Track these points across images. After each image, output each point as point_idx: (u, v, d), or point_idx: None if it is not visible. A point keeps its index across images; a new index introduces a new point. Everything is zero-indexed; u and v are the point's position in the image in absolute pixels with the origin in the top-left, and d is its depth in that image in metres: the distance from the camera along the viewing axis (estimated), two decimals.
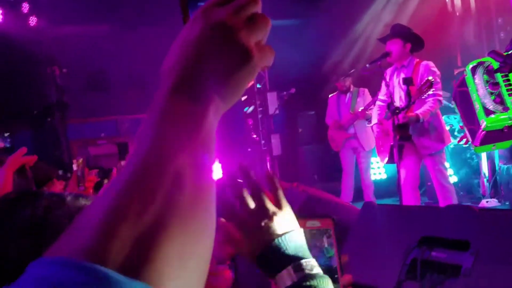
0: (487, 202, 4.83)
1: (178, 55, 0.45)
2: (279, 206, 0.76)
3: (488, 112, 2.31)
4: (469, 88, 2.39)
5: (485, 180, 5.14)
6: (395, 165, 3.71)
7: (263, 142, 7.39)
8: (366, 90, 5.42)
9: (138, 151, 0.40)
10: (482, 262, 1.24)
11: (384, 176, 6.53)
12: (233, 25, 0.45)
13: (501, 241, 1.26)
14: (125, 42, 6.88)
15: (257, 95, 7.46)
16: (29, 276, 0.32)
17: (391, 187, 5.93)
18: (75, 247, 0.33)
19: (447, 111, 5.18)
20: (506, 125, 2.33)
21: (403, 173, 3.88)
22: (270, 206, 0.75)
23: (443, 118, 4.16)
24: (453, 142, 5.04)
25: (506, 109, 2.27)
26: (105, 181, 2.39)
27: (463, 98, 2.48)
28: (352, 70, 5.61)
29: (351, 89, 5.50)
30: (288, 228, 0.73)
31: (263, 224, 0.72)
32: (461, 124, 2.84)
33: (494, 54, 2.23)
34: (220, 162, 6.09)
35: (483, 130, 2.33)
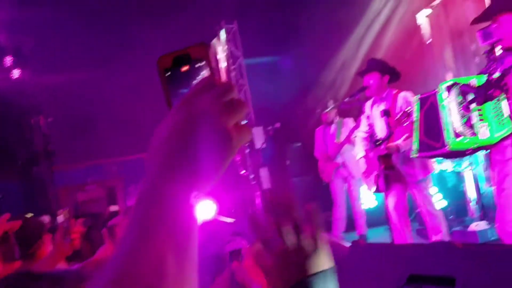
0: (476, 225, 4.84)
1: (163, 144, 0.49)
2: (316, 244, 0.76)
3: (456, 135, 2.32)
4: (440, 106, 2.40)
5: (473, 203, 5.19)
6: (382, 194, 3.76)
7: (252, 176, 7.41)
8: (350, 120, 5.55)
9: (125, 241, 0.44)
10: None
11: (375, 203, 6.56)
12: (213, 112, 0.49)
13: (485, 276, 1.28)
14: (109, 85, 6.95)
15: None
16: None
17: (382, 214, 5.95)
18: None
19: None
20: (471, 148, 2.39)
21: (391, 201, 3.92)
22: (308, 244, 0.75)
23: None
24: (437, 168, 5.12)
25: (473, 134, 2.30)
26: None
27: (431, 110, 2.50)
28: (336, 103, 5.74)
29: (336, 120, 5.62)
30: (321, 268, 0.74)
31: (298, 261, 0.73)
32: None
33: (466, 87, 2.30)
34: (213, 200, 6.08)
35: (447, 150, 2.36)
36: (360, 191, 5.60)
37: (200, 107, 0.50)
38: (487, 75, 2.11)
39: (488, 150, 2.61)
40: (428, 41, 7.95)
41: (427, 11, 7.91)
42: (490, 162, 2.56)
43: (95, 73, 7.11)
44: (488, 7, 2.61)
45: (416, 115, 2.71)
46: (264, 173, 7.22)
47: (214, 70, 0.56)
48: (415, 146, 2.71)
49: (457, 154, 2.54)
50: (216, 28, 7.88)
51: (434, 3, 7.75)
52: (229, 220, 4.41)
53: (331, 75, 8.19)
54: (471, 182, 5.18)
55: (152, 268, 0.42)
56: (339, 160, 5.49)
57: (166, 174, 0.47)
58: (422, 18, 7.96)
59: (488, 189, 4.85)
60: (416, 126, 2.70)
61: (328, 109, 5.61)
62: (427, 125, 2.65)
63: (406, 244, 3.44)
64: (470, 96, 2.24)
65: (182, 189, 0.47)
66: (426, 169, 3.90)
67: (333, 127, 5.62)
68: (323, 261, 0.76)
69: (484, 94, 2.04)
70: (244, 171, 7.53)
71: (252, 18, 7.70)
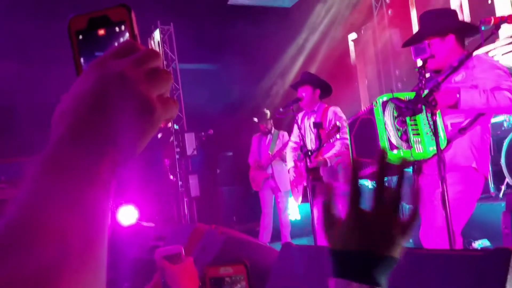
0: None
1: (70, 105, 0.43)
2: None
3: (392, 147, 2.44)
4: (377, 120, 2.51)
5: None
6: (308, 205, 3.86)
7: (180, 183, 7.28)
8: (286, 133, 5.68)
9: (17, 205, 0.37)
10: None
11: (298, 216, 6.73)
12: (132, 76, 0.43)
13: (410, 280, 1.33)
14: (33, 80, 6.53)
15: (175, 136, 7.42)
16: None
17: (305, 227, 6.13)
18: None
19: None
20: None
21: (316, 212, 4.03)
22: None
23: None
24: (360, 182, 5.37)
25: (409, 147, 2.43)
26: None
27: (366, 127, 2.60)
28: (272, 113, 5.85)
29: (272, 131, 5.73)
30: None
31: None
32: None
33: (396, 100, 2.42)
34: (135, 206, 5.88)
35: None
36: (288, 202, 5.73)
37: (117, 70, 0.43)
38: (418, 89, 2.25)
39: (410, 170, 2.78)
40: (353, 64, 8.43)
41: (353, 35, 8.39)
42: (420, 175, 2.71)
43: (20, 66, 6.64)
44: (417, 31, 2.82)
45: (348, 137, 2.85)
46: (193, 180, 7.13)
47: (137, 36, 0.49)
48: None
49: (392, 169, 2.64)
50: (151, 28, 7.73)
51: (363, 27, 8.23)
52: (149, 224, 4.31)
53: (267, 85, 8.37)
54: None
55: (53, 238, 0.35)
56: (269, 171, 5.58)
57: (72, 142, 0.41)
58: (349, 41, 8.44)
59: (404, 205, 5.16)
60: (350, 148, 2.83)
61: (265, 120, 5.70)
62: (359, 145, 2.77)
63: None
64: (401, 109, 2.36)
65: (91, 159, 0.40)
66: None
67: (269, 137, 5.73)
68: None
69: (412, 108, 2.18)
70: (172, 177, 7.38)
71: (189, 23, 7.65)
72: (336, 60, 7.86)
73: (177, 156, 7.28)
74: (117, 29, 0.49)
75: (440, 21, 2.70)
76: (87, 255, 0.37)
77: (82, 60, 0.49)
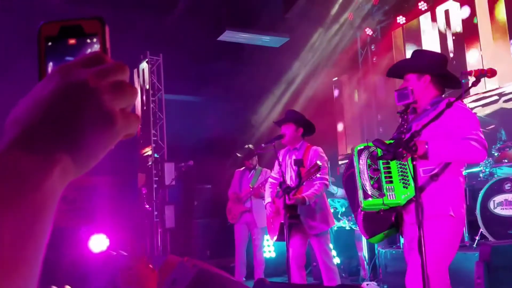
0: (367, 285, 5.05)
1: (27, 108, 0.42)
2: None
3: (366, 196, 2.45)
4: (356, 169, 2.53)
5: (365, 263, 5.44)
6: (284, 243, 3.80)
7: (156, 213, 7.14)
8: (269, 171, 5.67)
9: None
10: None
11: (273, 254, 6.62)
12: (95, 87, 0.43)
13: None
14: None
15: (154, 165, 7.34)
16: None
17: (280, 266, 6.02)
18: None
19: (330, 195, 5.57)
20: (382, 208, 2.54)
21: (291, 252, 3.97)
22: None
23: (328, 201, 4.41)
24: (336, 224, 5.36)
25: (382, 195, 2.43)
26: None
27: (351, 181, 2.61)
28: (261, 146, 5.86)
29: (256, 167, 5.73)
30: None
31: None
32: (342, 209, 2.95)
33: (378, 142, 2.42)
34: (106, 233, 5.72)
35: (361, 211, 2.49)
36: (264, 239, 5.65)
37: (81, 78, 0.43)
38: (400, 132, 2.27)
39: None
40: (336, 106, 8.60)
41: (338, 78, 8.62)
42: (402, 222, 2.69)
43: None
44: (400, 62, 2.88)
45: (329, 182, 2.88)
46: (169, 211, 7.00)
47: (108, 50, 0.49)
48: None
49: (372, 217, 2.63)
50: (140, 57, 7.79)
51: (349, 71, 8.45)
52: (122, 253, 4.17)
53: (250, 121, 8.44)
54: (365, 241, 5.46)
55: None
56: (248, 204, 5.54)
57: (22, 146, 0.39)
58: (334, 84, 8.66)
59: (380, 250, 5.13)
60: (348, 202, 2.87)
61: (252, 155, 5.71)
62: (351, 198, 2.79)
63: (310, 285, 3.47)
64: (380, 152, 2.37)
65: (39, 165, 0.39)
66: (327, 223, 4.05)
67: (252, 172, 5.73)
68: None
69: (393, 151, 2.18)
70: (148, 206, 7.24)
71: (178, 55, 7.74)
72: (320, 101, 8.01)
73: (154, 186, 7.17)
74: (88, 40, 0.49)
75: (423, 60, 2.75)
76: (16, 260, 0.35)
77: (47, 66, 0.49)
